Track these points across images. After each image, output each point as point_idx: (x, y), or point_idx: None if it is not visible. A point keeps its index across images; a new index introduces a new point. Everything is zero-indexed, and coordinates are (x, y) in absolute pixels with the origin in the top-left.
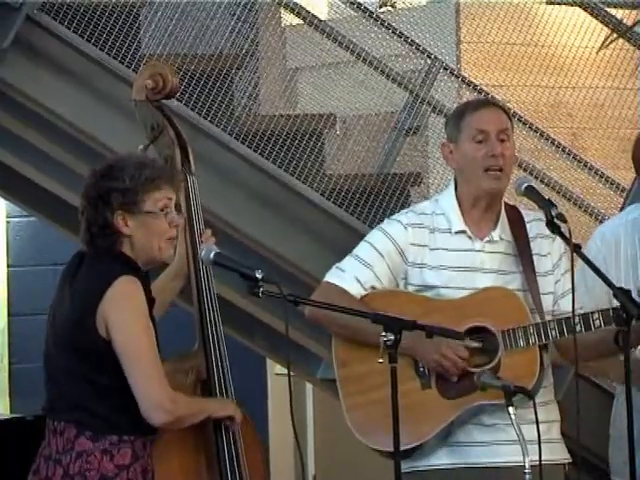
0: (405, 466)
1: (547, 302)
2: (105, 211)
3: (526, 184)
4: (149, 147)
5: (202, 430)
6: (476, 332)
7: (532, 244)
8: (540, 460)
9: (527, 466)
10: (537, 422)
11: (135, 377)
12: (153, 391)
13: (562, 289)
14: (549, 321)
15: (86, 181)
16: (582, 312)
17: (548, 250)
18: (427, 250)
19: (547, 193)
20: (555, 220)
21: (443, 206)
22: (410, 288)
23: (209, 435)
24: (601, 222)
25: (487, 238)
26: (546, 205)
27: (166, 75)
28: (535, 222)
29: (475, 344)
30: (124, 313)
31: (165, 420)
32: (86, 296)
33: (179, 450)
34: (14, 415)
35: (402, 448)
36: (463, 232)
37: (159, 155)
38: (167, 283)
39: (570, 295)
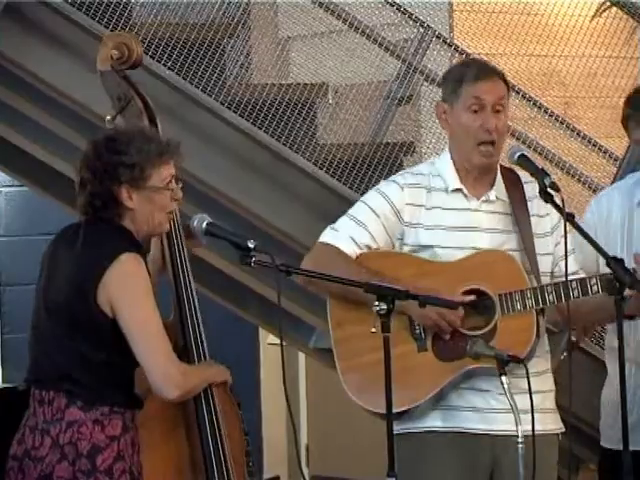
0: (398, 428)
1: (545, 263)
2: (111, 185)
3: (519, 153)
4: (116, 118)
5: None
6: (473, 295)
7: (530, 205)
8: (533, 430)
9: (520, 436)
10: (530, 392)
11: (146, 353)
12: (165, 367)
13: (562, 251)
14: (546, 285)
15: (87, 153)
16: (580, 277)
17: (547, 211)
18: (423, 210)
19: (540, 162)
20: (548, 189)
21: (439, 168)
22: (405, 248)
23: (189, 404)
24: (594, 191)
25: (483, 197)
26: (539, 174)
27: (131, 44)
28: (532, 183)
29: (469, 298)
30: (132, 290)
31: (177, 394)
32: (89, 267)
33: (160, 421)
34: (5, 385)
35: (397, 410)
36: (459, 190)
37: (127, 125)
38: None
39: (571, 257)
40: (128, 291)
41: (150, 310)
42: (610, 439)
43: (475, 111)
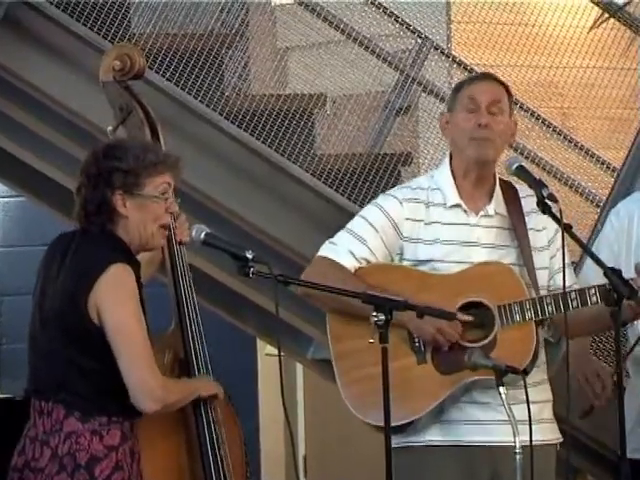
0: (397, 441)
1: (542, 277)
2: (105, 190)
3: (517, 164)
4: (118, 128)
5: (181, 411)
6: (473, 307)
7: (527, 219)
8: (531, 441)
9: (518, 446)
10: (528, 402)
11: (126, 364)
12: (143, 377)
13: (558, 264)
14: (545, 296)
15: (87, 159)
16: (578, 287)
17: (543, 225)
18: (422, 225)
19: (537, 173)
20: (546, 200)
21: (438, 181)
22: (405, 263)
23: (188, 416)
24: (592, 202)
25: (482, 212)
26: (537, 185)
27: (133, 55)
28: (530, 197)
29: (468, 317)
30: (116, 299)
31: (155, 408)
32: (80, 276)
33: (160, 432)
34: (3, 395)
35: (397, 423)
36: (458, 206)
37: (128, 136)
38: (142, 267)
39: (566, 271)
40: (113, 299)
41: (133, 319)
42: (635, 450)
43: (471, 111)
